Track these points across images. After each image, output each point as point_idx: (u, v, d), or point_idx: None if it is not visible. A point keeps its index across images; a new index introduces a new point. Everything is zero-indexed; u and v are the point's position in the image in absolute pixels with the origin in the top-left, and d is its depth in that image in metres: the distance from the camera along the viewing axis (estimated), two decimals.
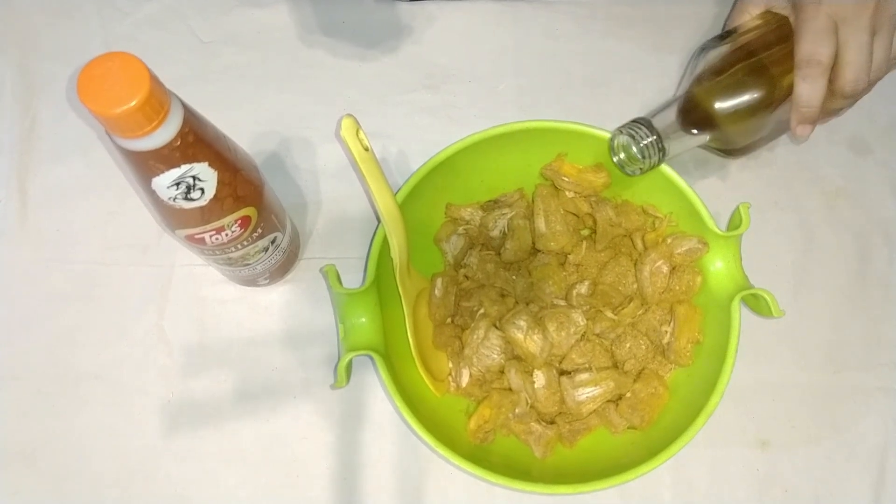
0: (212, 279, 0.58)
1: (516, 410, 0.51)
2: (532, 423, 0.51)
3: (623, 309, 0.54)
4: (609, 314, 0.54)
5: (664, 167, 0.52)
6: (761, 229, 0.59)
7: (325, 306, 0.58)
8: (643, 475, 0.46)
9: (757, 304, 0.49)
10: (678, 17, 0.67)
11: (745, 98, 0.50)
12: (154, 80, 0.34)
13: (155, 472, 0.54)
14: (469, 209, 0.57)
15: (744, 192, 0.62)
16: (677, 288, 0.53)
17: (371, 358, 0.47)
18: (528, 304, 0.53)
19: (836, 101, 0.49)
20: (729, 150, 0.57)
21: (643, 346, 0.52)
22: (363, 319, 0.48)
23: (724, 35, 0.54)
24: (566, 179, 0.55)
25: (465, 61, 0.65)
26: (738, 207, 0.50)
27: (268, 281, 0.57)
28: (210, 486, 0.54)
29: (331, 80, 0.64)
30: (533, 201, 0.56)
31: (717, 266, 0.52)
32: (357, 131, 0.41)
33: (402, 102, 0.63)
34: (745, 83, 0.50)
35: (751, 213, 0.50)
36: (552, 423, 0.52)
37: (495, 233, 0.56)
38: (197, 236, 0.44)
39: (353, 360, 0.46)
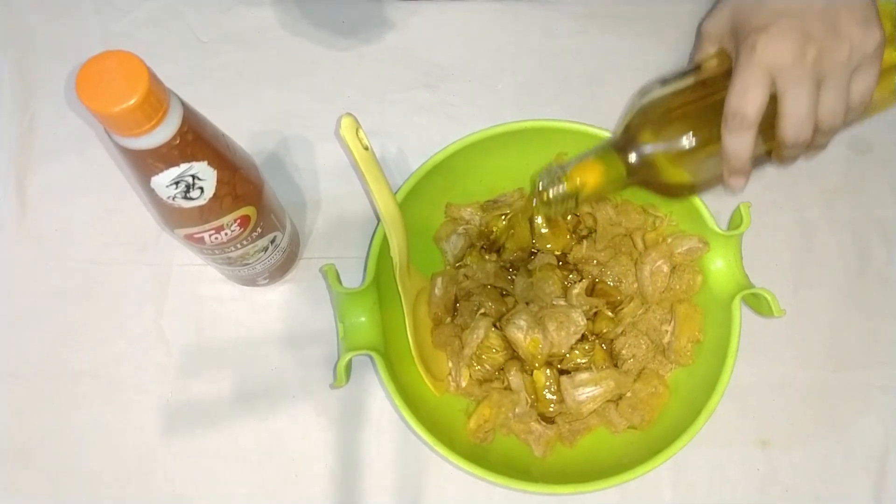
0: (211, 278, 0.58)
1: (516, 410, 0.51)
2: (532, 423, 0.51)
3: (623, 308, 0.54)
4: (609, 314, 0.53)
5: None
6: (761, 228, 0.59)
7: (324, 306, 0.58)
8: (643, 475, 0.46)
9: (757, 304, 0.49)
10: (677, 15, 0.66)
11: (676, 142, 0.47)
12: (153, 78, 0.34)
13: (153, 471, 0.54)
14: (469, 209, 0.57)
15: (744, 191, 0.61)
16: (678, 287, 0.53)
17: (370, 357, 0.47)
18: (527, 304, 0.53)
19: (783, 150, 0.46)
20: (660, 193, 0.52)
21: (643, 346, 0.52)
22: (363, 319, 0.48)
23: (673, 76, 0.50)
24: None
25: (464, 60, 0.65)
26: (738, 207, 0.50)
27: (267, 280, 0.57)
28: (208, 485, 0.54)
29: (330, 78, 0.64)
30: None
31: (718, 265, 0.52)
32: (357, 130, 0.41)
33: (401, 101, 0.63)
34: (677, 127, 0.47)
35: (751, 213, 0.50)
36: (552, 422, 0.52)
37: (495, 233, 0.56)
38: (196, 235, 0.44)
39: (352, 359, 0.46)
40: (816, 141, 0.46)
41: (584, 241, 0.56)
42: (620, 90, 0.64)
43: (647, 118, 0.48)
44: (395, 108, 0.63)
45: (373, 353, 0.46)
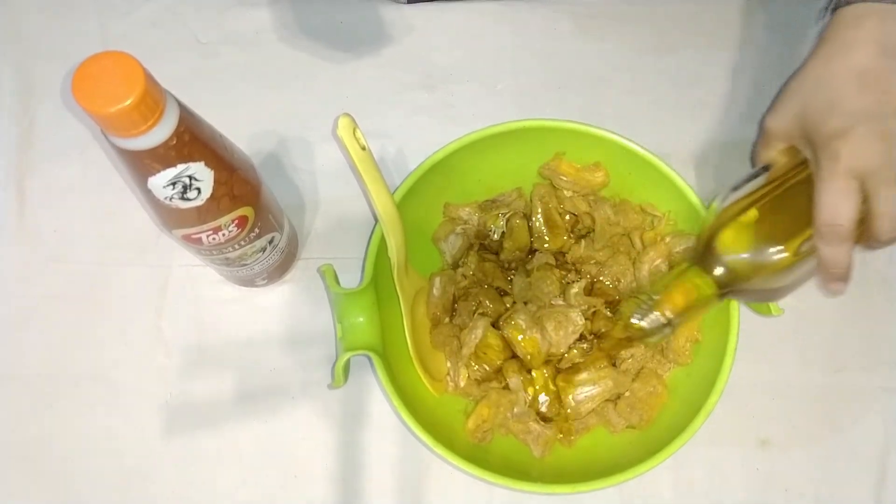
0: (210, 279, 0.58)
1: (514, 410, 0.51)
2: (530, 423, 0.51)
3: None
4: (608, 313, 0.53)
5: (664, 166, 0.52)
6: None
7: (323, 306, 0.58)
8: (642, 474, 0.46)
9: (756, 303, 0.49)
10: (677, 16, 0.66)
11: (768, 253, 0.46)
12: (149, 78, 0.34)
13: (153, 473, 0.54)
14: (467, 208, 0.57)
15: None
16: None
17: (369, 358, 0.47)
18: (526, 304, 0.53)
19: (875, 246, 0.46)
20: (758, 302, 0.51)
21: (642, 345, 0.52)
22: (361, 319, 0.47)
23: (747, 178, 0.49)
24: (564, 178, 0.55)
25: (463, 61, 0.65)
26: None
27: (266, 281, 0.57)
28: (208, 486, 0.54)
29: (329, 80, 0.64)
30: (531, 200, 0.56)
31: None
32: (354, 130, 0.41)
33: (400, 102, 0.63)
34: (766, 237, 0.46)
35: None
36: (551, 422, 0.52)
37: (493, 232, 0.56)
38: (194, 236, 0.44)
39: (351, 360, 0.46)
40: None
41: (583, 241, 0.55)
42: (620, 90, 0.64)
43: (729, 228, 0.47)
44: (395, 109, 0.63)
45: (371, 354, 0.46)
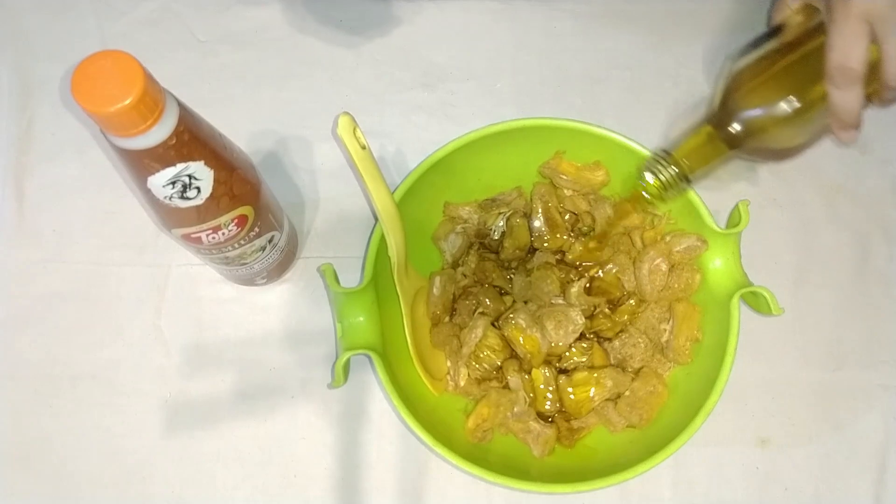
0: (209, 279, 0.58)
1: (514, 409, 0.51)
2: (530, 422, 0.51)
3: (621, 307, 0.53)
4: (607, 312, 0.53)
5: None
6: (761, 227, 0.59)
7: (323, 306, 0.58)
8: (642, 474, 0.46)
9: (756, 302, 0.49)
10: (676, 14, 0.66)
11: (781, 104, 0.47)
12: (148, 77, 0.34)
13: (152, 473, 0.54)
14: (467, 208, 0.57)
15: (743, 189, 0.61)
16: (676, 286, 0.52)
17: (369, 357, 0.47)
18: (526, 303, 0.53)
19: (888, 93, 0.46)
20: (770, 158, 0.55)
21: (642, 345, 0.52)
22: (361, 318, 0.47)
23: (759, 39, 0.51)
24: (564, 177, 0.55)
25: (462, 59, 0.65)
26: (737, 205, 0.50)
27: (265, 280, 0.57)
28: (208, 486, 0.54)
29: (328, 78, 0.64)
30: (531, 199, 0.56)
31: (717, 264, 0.52)
32: (354, 129, 0.41)
33: (399, 101, 0.63)
34: (779, 87, 0.47)
35: (750, 211, 0.50)
36: (551, 421, 0.52)
37: (493, 232, 0.56)
38: (193, 235, 0.44)
39: (350, 359, 0.46)
40: None
41: (583, 240, 0.55)
42: (620, 90, 0.64)
43: (744, 85, 0.48)
44: (394, 108, 0.63)
45: (371, 353, 0.46)
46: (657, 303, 0.54)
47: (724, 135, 0.48)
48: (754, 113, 0.48)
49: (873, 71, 0.45)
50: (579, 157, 0.55)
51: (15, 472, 0.54)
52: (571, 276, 0.55)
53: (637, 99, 0.63)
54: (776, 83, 0.47)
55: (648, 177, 0.49)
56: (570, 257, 0.55)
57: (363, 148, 0.42)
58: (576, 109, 0.63)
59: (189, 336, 0.57)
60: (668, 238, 0.53)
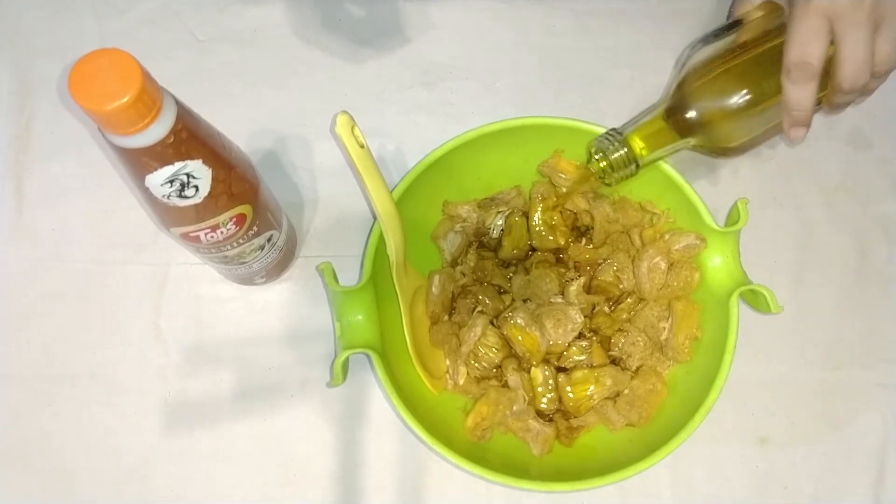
0: (208, 278, 0.58)
1: (514, 408, 0.51)
2: (529, 421, 0.51)
3: (621, 305, 0.53)
4: (606, 311, 0.53)
5: (662, 164, 0.51)
6: (760, 225, 0.59)
7: (322, 305, 0.58)
8: (642, 472, 0.46)
9: (755, 300, 0.49)
10: (676, 13, 0.66)
11: (732, 98, 0.48)
12: (146, 76, 0.34)
13: (151, 472, 0.54)
14: (466, 206, 0.57)
15: (742, 187, 0.61)
16: (675, 284, 0.52)
17: (368, 356, 0.47)
18: (525, 302, 0.53)
19: (837, 97, 0.47)
20: (719, 152, 0.54)
21: (641, 343, 0.52)
22: (360, 317, 0.47)
23: (718, 31, 0.51)
24: (563, 176, 0.55)
25: (462, 58, 0.65)
26: (736, 203, 0.50)
27: (264, 279, 0.57)
28: (207, 485, 0.54)
29: (327, 77, 0.64)
30: (530, 198, 0.56)
31: (716, 262, 0.51)
32: (352, 128, 0.41)
33: (399, 100, 0.63)
34: (732, 82, 0.48)
35: (749, 209, 0.50)
36: (550, 420, 0.52)
37: (492, 230, 0.56)
38: (192, 234, 0.44)
39: (350, 358, 0.46)
40: (869, 86, 0.46)
41: (582, 239, 0.55)
42: (619, 88, 0.64)
43: (699, 76, 0.48)
44: (394, 106, 0.63)
45: (370, 352, 0.46)
46: (656, 301, 0.54)
47: (675, 123, 0.48)
48: (707, 104, 0.48)
49: (825, 74, 0.45)
50: (578, 155, 0.55)
51: (14, 470, 0.54)
52: (570, 274, 0.55)
53: (636, 98, 0.63)
54: (731, 77, 0.48)
55: (599, 152, 0.49)
56: (568, 256, 0.55)
57: (361, 146, 0.42)
58: (575, 109, 0.63)
59: (188, 335, 0.57)
60: (667, 236, 0.53)
